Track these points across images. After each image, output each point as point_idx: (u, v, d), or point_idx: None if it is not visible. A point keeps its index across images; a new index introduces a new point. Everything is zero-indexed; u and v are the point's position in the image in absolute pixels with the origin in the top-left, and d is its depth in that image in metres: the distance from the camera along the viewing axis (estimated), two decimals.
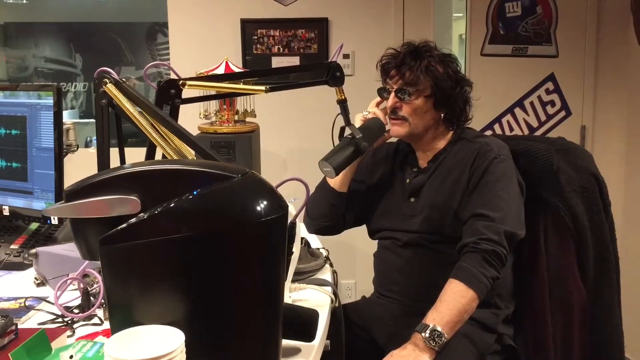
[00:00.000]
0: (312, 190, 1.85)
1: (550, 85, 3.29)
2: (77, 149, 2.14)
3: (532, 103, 3.31)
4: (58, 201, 1.72)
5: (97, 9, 6.59)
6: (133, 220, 0.85)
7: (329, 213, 1.81)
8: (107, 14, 6.53)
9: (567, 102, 3.30)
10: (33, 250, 1.51)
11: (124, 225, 0.85)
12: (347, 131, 1.63)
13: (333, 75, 1.55)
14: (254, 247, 0.89)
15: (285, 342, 1.09)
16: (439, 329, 1.44)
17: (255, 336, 0.93)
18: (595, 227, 1.79)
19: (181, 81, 1.34)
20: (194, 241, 0.85)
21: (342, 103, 1.59)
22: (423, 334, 1.43)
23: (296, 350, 1.12)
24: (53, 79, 6.37)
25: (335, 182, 1.79)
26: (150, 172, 0.90)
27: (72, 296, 1.37)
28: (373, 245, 1.93)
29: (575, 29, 3.23)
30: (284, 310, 1.04)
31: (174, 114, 1.37)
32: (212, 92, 1.86)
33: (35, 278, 1.53)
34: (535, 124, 3.32)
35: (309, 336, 1.10)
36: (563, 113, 3.31)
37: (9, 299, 1.38)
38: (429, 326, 1.44)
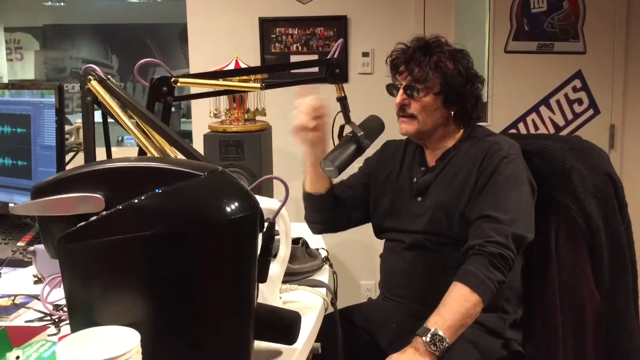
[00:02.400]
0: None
1: (577, 83, 3.18)
2: None
3: (558, 101, 3.20)
4: None
5: (132, 10, 6.69)
6: (94, 218, 0.84)
7: (319, 215, 1.78)
8: (142, 15, 6.63)
9: (595, 100, 3.18)
10: (31, 248, 1.52)
11: (84, 222, 0.83)
12: (346, 130, 1.59)
13: (332, 72, 1.52)
14: (220, 246, 0.87)
15: (266, 345, 1.07)
16: (440, 333, 1.39)
17: (224, 337, 0.90)
18: (610, 230, 1.71)
19: (173, 79, 1.32)
20: (157, 240, 0.83)
21: (342, 100, 1.56)
22: (424, 338, 1.39)
23: (277, 353, 1.09)
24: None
25: (309, 185, 1.74)
26: (115, 170, 0.88)
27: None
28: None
29: (603, 25, 3.12)
30: (263, 311, 1.02)
31: (167, 111, 1.36)
32: (217, 90, 1.86)
33: (34, 275, 1.54)
34: (561, 122, 3.22)
35: (289, 339, 1.07)
36: (591, 111, 3.20)
37: (2, 296, 1.38)
38: (430, 330, 1.40)
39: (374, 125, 1.61)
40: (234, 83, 1.37)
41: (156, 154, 1.12)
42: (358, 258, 3.13)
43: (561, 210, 1.71)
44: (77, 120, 2.26)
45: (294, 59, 3.14)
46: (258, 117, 2.27)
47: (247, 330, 0.92)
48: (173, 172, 0.87)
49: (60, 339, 1.17)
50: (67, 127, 1.89)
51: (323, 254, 1.65)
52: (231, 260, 0.88)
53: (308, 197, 1.76)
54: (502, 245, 1.47)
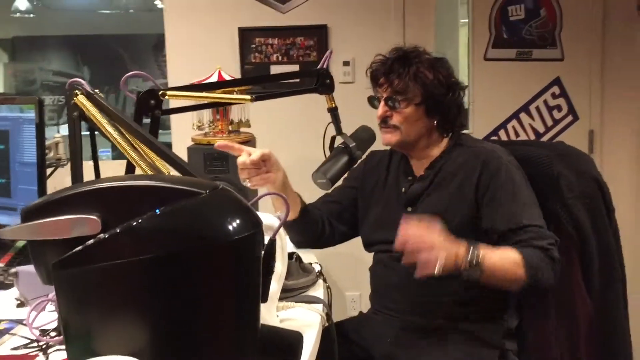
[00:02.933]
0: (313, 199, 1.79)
1: (556, 90, 3.21)
2: (67, 162, 2.09)
3: (537, 108, 3.23)
4: None
5: (104, 22, 6.60)
6: (90, 241, 0.79)
7: (303, 238, 1.75)
8: (114, 26, 6.55)
9: (574, 106, 3.21)
10: (13, 270, 1.46)
11: (80, 247, 0.79)
12: (337, 141, 1.57)
13: (322, 83, 1.49)
14: (224, 268, 0.83)
15: None
16: (481, 255, 1.40)
17: None
18: (599, 235, 1.71)
19: (161, 91, 1.28)
20: (158, 263, 0.79)
21: (333, 111, 1.53)
22: (469, 244, 1.40)
23: None
24: (60, 92, 6.39)
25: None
26: (111, 189, 0.84)
27: (51, 317, 1.31)
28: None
29: (580, 32, 3.15)
30: (265, 332, 0.98)
31: (155, 125, 1.32)
32: (204, 102, 1.81)
33: (16, 298, 1.48)
34: (541, 129, 3.24)
35: (292, 359, 1.03)
36: (570, 117, 3.23)
37: None
38: (477, 247, 1.41)
39: (365, 136, 1.59)
40: (223, 95, 1.33)
41: (148, 170, 1.08)
42: (341, 269, 3.10)
43: (551, 217, 1.70)
44: (54, 135, 2.20)
45: (274, 69, 3.11)
46: (242, 129, 2.23)
47: (253, 353, 0.88)
48: (172, 191, 0.83)
49: None
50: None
51: (316, 267, 1.61)
52: (236, 282, 0.84)
53: (285, 225, 1.71)
54: (557, 250, 1.51)
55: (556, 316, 1.67)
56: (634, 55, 3.08)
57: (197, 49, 3.07)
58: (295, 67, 3.08)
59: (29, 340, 1.23)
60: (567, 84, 3.19)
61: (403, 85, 1.58)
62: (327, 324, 1.40)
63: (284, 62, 3.09)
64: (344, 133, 1.55)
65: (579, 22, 3.14)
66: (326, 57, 1.50)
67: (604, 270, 1.72)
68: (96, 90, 1.16)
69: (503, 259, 1.44)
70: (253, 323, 0.88)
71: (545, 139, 3.23)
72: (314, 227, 1.73)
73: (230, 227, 0.81)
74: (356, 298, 3.28)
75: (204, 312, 0.82)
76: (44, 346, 1.20)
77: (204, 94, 1.31)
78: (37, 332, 1.22)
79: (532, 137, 3.23)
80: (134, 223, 0.79)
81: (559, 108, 3.22)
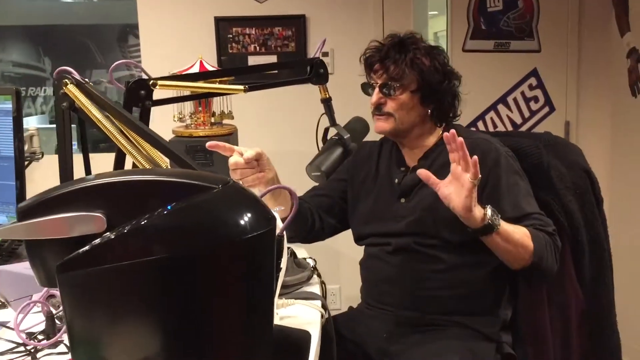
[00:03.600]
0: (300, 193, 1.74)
1: (533, 81, 3.23)
2: (42, 156, 2.00)
3: (515, 99, 3.24)
4: None
5: (66, 12, 6.41)
6: (97, 241, 0.74)
7: (293, 232, 1.68)
8: (77, 16, 6.37)
9: (550, 98, 3.23)
10: None
11: (87, 247, 0.73)
12: (331, 132, 1.53)
13: (316, 73, 1.45)
14: (240, 267, 0.78)
15: None
16: (499, 221, 1.42)
17: None
18: (590, 225, 1.72)
19: (151, 81, 1.22)
20: (170, 264, 0.74)
21: (327, 102, 1.49)
22: (487, 207, 1.43)
23: None
24: (21, 83, 6.20)
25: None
26: (116, 184, 0.78)
27: (37, 320, 1.24)
28: (358, 247, 1.83)
29: (557, 23, 3.17)
30: (274, 332, 0.94)
31: (145, 117, 1.26)
32: (187, 92, 1.75)
33: None
34: (519, 120, 3.26)
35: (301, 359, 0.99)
36: (547, 109, 3.25)
37: None
38: (497, 217, 1.43)
39: (359, 127, 1.55)
40: (217, 85, 1.28)
41: (145, 164, 1.02)
42: (320, 262, 3.07)
43: (542, 208, 1.69)
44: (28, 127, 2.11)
45: (252, 60, 3.05)
46: (225, 121, 2.17)
47: (268, 354, 0.83)
48: (183, 186, 0.78)
49: None
50: None
51: (310, 262, 1.57)
52: (251, 281, 0.79)
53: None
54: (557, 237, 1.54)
55: (549, 307, 1.67)
56: (609, 47, 3.11)
57: (172, 40, 2.99)
58: (273, 58, 3.03)
59: (16, 344, 1.16)
60: (543, 76, 3.21)
61: (399, 72, 1.55)
62: (325, 321, 1.36)
63: (262, 52, 3.03)
64: (338, 124, 1.51)
65: (555, 13, 3.16)
66: (319, 46, 1.45)
67: (593, 260, 1.73)
68: (86, 79, 1.10)
69: (515, 228, 1.47)
70: (268, 323, 0.83)
71: (522, 129, 3.25)
72: (304, 221, 1.69)
73: (247, 224, 0.77)
74: (336, 291, 3.26)
75: (218, 314, 0.78)
76: (32, 350, 1.13)
77: (198, 84, 1.25)
78: (24, 336, 1.15)
79: (510, 128, 3.25)
80: (145, 221, 0.73)
81: (535, 99, 3.24)
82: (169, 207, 0.75)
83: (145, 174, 0.82)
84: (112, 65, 1.23)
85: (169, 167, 1.03)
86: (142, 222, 0.74)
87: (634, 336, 2.68)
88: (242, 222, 0.77)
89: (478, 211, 1.39)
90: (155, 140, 1.01)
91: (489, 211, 1.41)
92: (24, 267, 1.40)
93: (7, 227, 0.79)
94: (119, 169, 1.22)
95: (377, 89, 1.60)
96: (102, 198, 0.77)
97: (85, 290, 0.74)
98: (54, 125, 1.19)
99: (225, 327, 0.78)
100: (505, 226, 1.43)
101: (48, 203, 0.78)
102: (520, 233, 1.46)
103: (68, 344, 1.15)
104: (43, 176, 1.82)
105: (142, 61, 3.03)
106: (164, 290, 0.74)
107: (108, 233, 0.74)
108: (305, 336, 0.99)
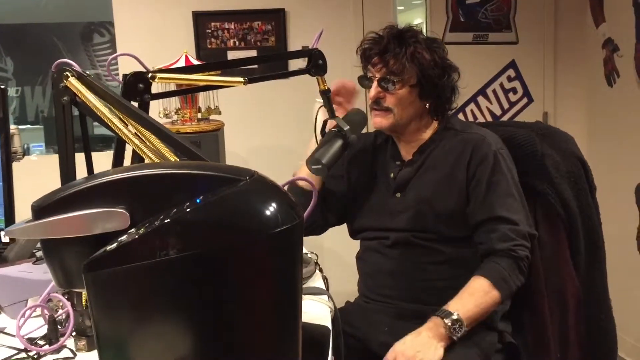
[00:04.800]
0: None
1: (511, 72, 3.26)
2: (23, 156, 1.93)
3: (494, 91, 3.27)
4: (8, 216, 1.53)
5: (28, 10, 6.22)
6: (124, 238, 0.70)
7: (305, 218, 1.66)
8: (40, 14, 6.20)
9: (528, 89, 3.27)
10: None
11: (113, 245, 0.69)
12: (329, 124, 1.50)
13: (315, 64, 1.42)
14: (271, 262, 0.75)
15: None
16: (462, 319, 1.36)
17: None
18: (584, 213, 1.73)
19: (150, 74, 1.17)
20: (201, 261, 0.70)
21: (326, 93, 1.46)
22: (446, 320, 1.34)
23: None
24: None
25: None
26: (139, 179, 0.74)
27: (35, 325, 1.19)
28: (345, 243, 1.81)
29: (533, 15, 3.21)
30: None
31: (144, 110, 1.21)
32: (173, 87, 1.70)
33: None
34: (498, 112, 3.29)
35: (322, 356, 0.97)
36: (525, 100, 3.29)
37: None
38: (452, 314, 1.35)
39: (358, 119, 1.53)
40: (216, 78, 1.24)
41: (154, 158, 0.98)
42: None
43: (539, 197, 1.70)
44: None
45: (231, 55, 3.00)
46: (212, 116, 2.13)
47: (298, 350, 0.81)
48: (209, 178, 0.74)
49: None
50: None
51: (312, 258, 1.55)
52: (283, 275, 0.77)
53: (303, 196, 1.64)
54: (525, 247, 1.48)
55: (547, 295, 1.68)
56: (585, 38, 3.16)
57: (149, 35, 2.94)
58: (253, 53, 2.99)
59: (16, 350, 1.10)
60: (521, 67, 3.25)
61: (399, 66, 1.53)
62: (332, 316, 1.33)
63: (241, 47, 2.99)
64: (337, 116, 1.48)
65: (532, 5, 3.20)
66: (316, 37, 1.42)
67: (588, 248, 1.74)
68: (87, 72, 1.05)
69: (477, 300, 1.41)
70: (296, 318, 0.81)
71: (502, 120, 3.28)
72: (316, 212, 1.66)
73: (279, 217, 0.74)
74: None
75: (250, 312, 0.74)
76: (34, 356, 1.08)
77: (198, 76, 1.21)
78: (27, 342, 1.10)
79: (490, 119, 3.28)
80: (175, 216, 0.70)
81: (514, 91, 3.28)
82: (198, 201, 0.71)
83: (168, 167, 0.79)
84: (110, 58, 1.18)
85: (177, 160, 0.99)
86: (172, 217, 0.70)
87: (625, 329, 2.73)
88: (273, 214, 0.74)
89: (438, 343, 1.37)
90: (163, 133, 0.97)
91: (449, 330, 1.37)
92: (15, 270, 1.35)
93: (22, 227, 0.74)
94: (118, 165, 1.17)
95: (375, 83, 1.57)
96: (124, 193, 0.73)
97: (113, 290, 0.70)
98: (20, 126, 1.14)
99: (256, 323, 0.75)
100: (469, 314, 1.39)
101: (66, 200, 0.74)
102: (483, 300, 1.41)
103: (73, 348, 1.11)
104: (25, 176, 1.76)
105: (119, 58, 2.95)
106: (194, 288, 0.71)
107: (134, 229, 0.71)
108: (326, 332, 0.97)
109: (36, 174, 2.13)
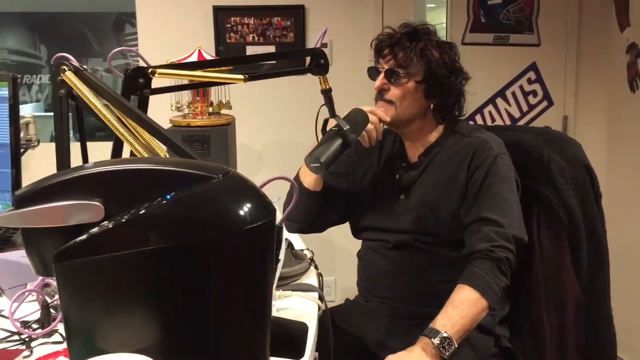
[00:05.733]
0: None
1: (532, 75, 3.22)
2: (38, 144, 1.99)
3: (513, 93, 3.23)
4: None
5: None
6: (95, 230, 0.72)
7: (306, 213, 1.68)
8: (73, 3, 6.32)
9: (549, 92, 3.23)
10: None
11: (84, 236, 0.72)
12: (330, 124, 1.51)
13: (317, 63, 1.43)
14: (239, 259, 0.77)
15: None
16: (450, 336, 1.34)
17: (242, 356, 0.81)
18: (589, 220, 1.72)
19: (150, 69, 1.20)
20: (169, 254, 0.72)
21: (327, 93, 1.47)
22: (433, 340, 1.33)
23: None
24: (16, 70, 6.16)
25: (308, 181, 1.66)
26: (114, 173, 0.77)
27: (32, 308, 1.23)
28: (354, 240, 1.82)
29: (556, 17, 3.16)
30: (272, 324, 0.93)
31: (143, 105, 1.24)
32: (185, 81, 1.73)
33: None
34: (517, 114, 3.25)
35: (298, 352, 0.98)
36: (545, 103, 3.25)
37: None
38: (439, 332, 1.34)
39: (359, 119, 1.54)
40: (216, 74, 1.27)
41: (144, 153, 1.01)
42: (316, 254, 3.07)
43: (542, 203, 1.69)
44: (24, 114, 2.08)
45: (250, 50, 3.03)
46: (223, 111, 2.16)
47: (266, 346, 0.83)
48: (184, 175, 0.77)
49: None
50: None
51: (307, 254, 1.56)
52: (251, 272, 0.78)
53: (304, 193, 1.66)
54: (507, 249, 1.45)
55: (547, 301, 1.67)
56: (608, 42, 3.11)
57: (170, 28, 2.97)
58: (271, 48, 3.01)
59: (10, 333, 1.15)
60: (542, 70, 3.21)
61: (407, 59, 1.53)
62: (322, 313, 1.35)
63: (260, 42, 3.01)
64: (338, 115, 1.49)
65: (555, 7, 3.15)
66: (321, 36, 1.44)
67: (591, 255, 1.73)
68: (84, 66, 1.08)
69: (464, 311, 1.38)
70: (266, 314, 0.82)
71: (520, 124, 3.24)
72: (317, 209, 1.68)
73: (247, 214, 0.75)
74: (331, 283, 3.26)
75: (217, 304, 0.77)
76: (26, 339, 1.12)
77: (197, 72, 1.23)
78: (19, 325, 1.14)
79: (508, 122, 3.25)
80: (144, 210, 0.72)
81: (534, 93, 3.24)
82: (168, 197, 0.74)
83: (145, 162, 0.81)
84: (111, 53, 1.21)
85: (167, 156, 1.02)
86: (141, 212, 0.72)
87: (630, 332, 2.70)
88: (243, 212, 0.76)
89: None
90: (153, 129, 0.99)
91: (438, 349, 1.33)
92: (19, 255, 1.39)
93: (3, 215, 0.78)
94: (116, 158, 1.21)
95: (382, 74, 1.58)
96: (100, 186, 0.76)
97: (83, 280, 0.73)
98: (50, 113, 1.18)
99: (223, 317, 0.77)
100: (457, 327, 1.36)
101: (45, 191, 0.77)
102: (470, 310, 1.39)
103: (63, 334, 1.15)
104: (39, 164, 1.81)
105: (140, 50, 3.00)
106: (161, 281, 0.73)
107: (106, 222, 0.73)
108: (302, 328, 0.98)
109: (54, 162, 2.18)
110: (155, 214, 0.72)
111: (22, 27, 6.44)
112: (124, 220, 0.72)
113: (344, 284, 3.19)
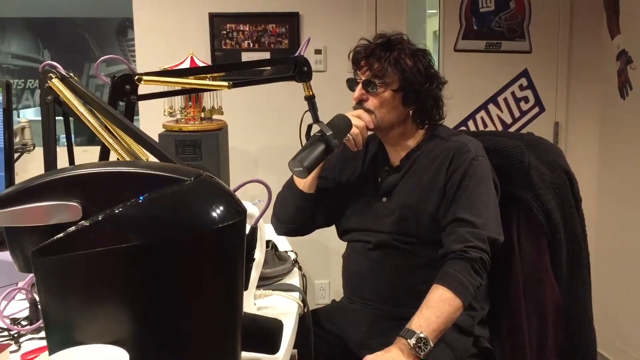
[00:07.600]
0: (276, 191, 1.78)
1: (523, 81, 3.26)
2: (34, 148, 2.04)
3: (505, 99, 3.28)
4: None
5: (65, 4, 6.42)
6: (72, 229, 0.77)
7: (296, 215, 1.73)
8: (76, 9, 6.38)
9: (540, 98, 3.27)
10: None
11: (61, 234, 0.77)
12: (314, 129, 1.56)
13: (300, 70, 1.48)
14: (208, 257, 0.82)
15: (248, 355, 1.02)
16: (425, 336, 1.37)
17: (212, 352, 0.85)
18: (568, 224, 1.75)
19: (137, 76, 1.25)
20: (141, 251, 0.77)
21: (310, 99, 1.52)
22: (409, 341, 1.36)
23: None
24: (20, 75, 6.21)
25: (304, 183, 1.71)
26: (92, 175, 0.82)
27: (21, 306, 1.28)
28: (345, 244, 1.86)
29: (548, 25, 3.20)
30: (245, 321, 0.97)
31: (130, 111, 1.29)
32: (177, 87, 1.78)
33: None
34: (509, 120, 3.29)
35: (272, 348, 1.03)
36: (537, 109, 3.29)
37: None
38: (415, 333, 1.37)
39: (342, 124, 1.58)
40: (200, 82, 1.31)
41: (125, 156, 1.06)
42: (310, 257, 3.11)
43: (522, 207, 1.73)
44: (18, 119, 2.14)
45: (245, 56, 3.08)
46: (215, 116, 2.20)
47: (236, 341, 0.87)
48: (156, 178, 0.81)
49: (23, 356, 1.09)
50: None
51: (291, 256, 1.61)
52: (220, 270, 0.83)
53: (298, 194, 1.71)
54: (481, 250, 1.48)
55: (526, 303, 1.70)
56: (599, 49, 3.15)
57: (167, 34, 3.03)
58: (266, 55, 3.06)
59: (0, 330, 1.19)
60: (534, 76, 3.25)
61: (382, 70, 1.58)
62: (303, 312, 1.39)
63: (255, 49, 3.06)
64: (321, 121, 1.54)
65: (547, 15, 3.20)
66: (304, 44, 1.48)
67: (571, 258, 1.76)
68: (70, 74, 1.13)
69: (438, 310, 1.41)
70: (236, 311, 0.87)
71: (512, 130, 3.28)
72: (308, 211, 1.73)
73: (216, 215, 0.80)
74: (325, 286, 3.30)
75: (188, 300, 0.81)
76: (15, 335, 1.17)
77: (181, 79, 1.28)
78: (7, 321, 1.19)
79: (500, 128, 3.29)
80: (117, 210, 0.77)
81: (526, 100, 3.28)
82: (141, 198, 0.78)
83: (121, 166, 0.86)
84: (98, 61, 1.26)
85: (149, 160, 1.06)
86: (115, 211, 0.77)
87: (615, 332, 2.73)
88: (211, 212, 0.80)
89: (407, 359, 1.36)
90: (136, 134, 1.04)
91: (414, 349, 1.36)
92: (8, 255, 1.44)
93: None
94: (104, 159, 1.25)
95: (359, 85, 1.63)
96: (78, 188, 0.81)
97: (60, 276, 0.78)
98: (58, 118, 1.22)
99: (194, 313, 0.82)
100: (433, 327, 1.39)
101: (27, 192, 0.82)
102: (445, 309, 1.41)
103: None
104: (35, 167, 1.86)
105: (137, 56, 3.06)
106: (134, 277, 0.78)
107: (83, 221, 0.78)
108: (277, 325, 1.03)
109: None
110: (128, 213, 0.77)
111: (25, 32, 6.50)
112: (98, 219, 0.77)
113: (337, 287, 3.22)
